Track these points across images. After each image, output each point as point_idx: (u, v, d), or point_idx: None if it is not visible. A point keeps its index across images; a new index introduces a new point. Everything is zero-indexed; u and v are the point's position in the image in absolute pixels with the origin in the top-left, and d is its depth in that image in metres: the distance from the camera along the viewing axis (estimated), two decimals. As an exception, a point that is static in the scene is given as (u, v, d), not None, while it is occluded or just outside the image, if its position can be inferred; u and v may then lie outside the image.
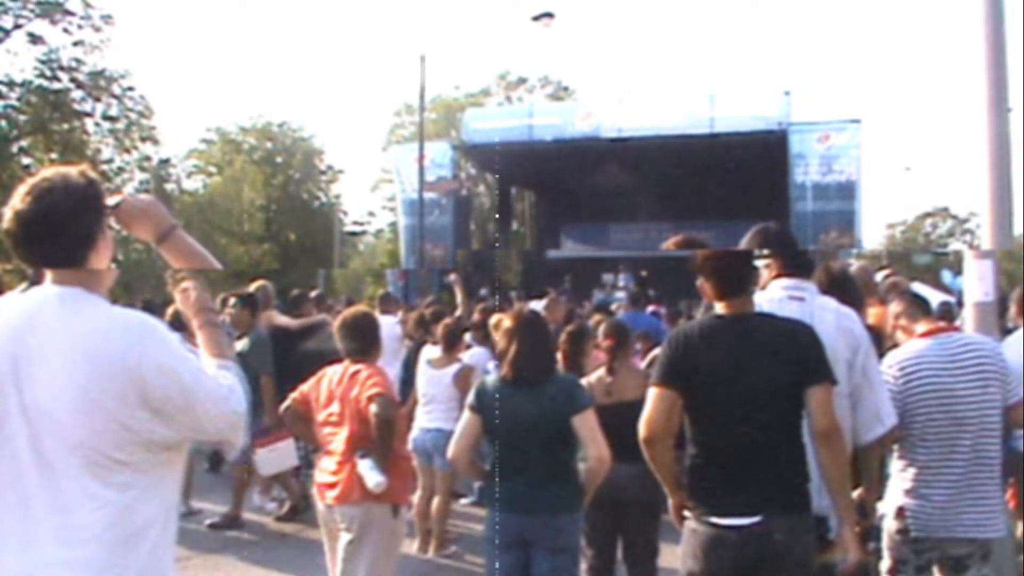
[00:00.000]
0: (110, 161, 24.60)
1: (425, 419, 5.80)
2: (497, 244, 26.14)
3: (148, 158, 26.73)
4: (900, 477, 3.28)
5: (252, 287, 7.40)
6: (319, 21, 71.36)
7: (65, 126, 22.81)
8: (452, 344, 5.87)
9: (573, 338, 4.54)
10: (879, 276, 5.56)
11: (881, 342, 3.43)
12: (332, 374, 3.89)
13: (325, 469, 3.79)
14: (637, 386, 3.79)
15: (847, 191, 18.71)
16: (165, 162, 29.42)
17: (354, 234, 39.47)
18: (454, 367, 5.78)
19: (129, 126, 24.34)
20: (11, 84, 21.83)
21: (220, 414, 1.74)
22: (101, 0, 27.86)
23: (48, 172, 1.77)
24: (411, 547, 5.61)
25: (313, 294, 8.69)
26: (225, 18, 72.40)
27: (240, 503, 6.54)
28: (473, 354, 6.22)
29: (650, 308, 11.14)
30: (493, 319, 4.81)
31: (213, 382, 1.76)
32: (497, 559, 3.45)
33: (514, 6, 53.12)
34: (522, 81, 38.23)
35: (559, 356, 4.28)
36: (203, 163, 33.85)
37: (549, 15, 18.46)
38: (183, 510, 5.69)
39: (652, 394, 2.69)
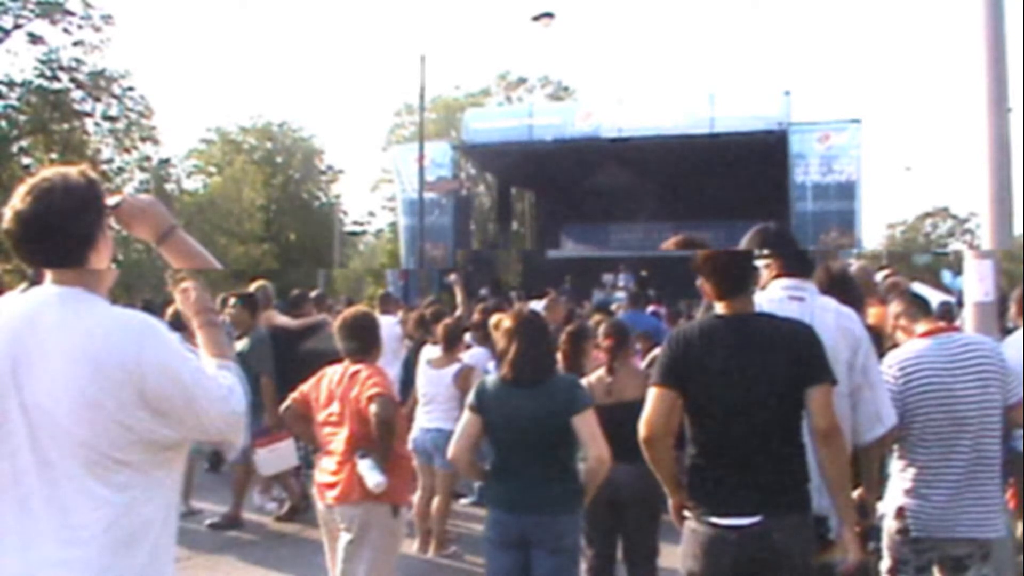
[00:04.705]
0: (110, 161, 24.60)
1: (425, 419, 5.80)
2: (497, 244, 26.12)
3: (148, 158, 26.75)
4: (900, 477, 3.28)
5: (252, 287, 7.41)
6: (319, 21, 71.44)
7: (65, 126, 22.79)
8: (452, 344, 5.87)
9: (573, 338, 4.54)
10: (879, 276, 5.57)
11: (881, 342, 3.43)
12: (332, 374, 3.89)
13: (325, 469, 3.79)
14: (637, 386, 3.79)
15: (847, 191, 18.68)
16: (165, 162, 29.42)
17: (354, 234, 39.49)
18: (454, 367, 5.77)
19: (129, 126, 24.32)
20: (11, 84, 21.82)
21: (220, 414, 1.74)
22: (101, 0, 27.82)
23: (48, 172, 1.77)
24: (411, 547, 5.61)
25: (313, 294, 8.69)
26: (225, 18, 72.44)
27: (240, 503, 6.54)
28: (473, 354, 6.22)
29: (650, 308, 11.15)
30: (493, 319, 4.81)
31: (213, 382, 1.76)
32: (497, 559, 3.46)
33: (514, 6, 53.06)
34: (522, 81, 38.24)
35: (559, 356, 4.28)
36: (203, 163, 33.83)
37: (549, 15, 18.43)
38: (183, 510, 5.69)
39: (652, 394, 2.69)
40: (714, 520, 2.60)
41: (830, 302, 2.98)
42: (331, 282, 30.06)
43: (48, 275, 1.76)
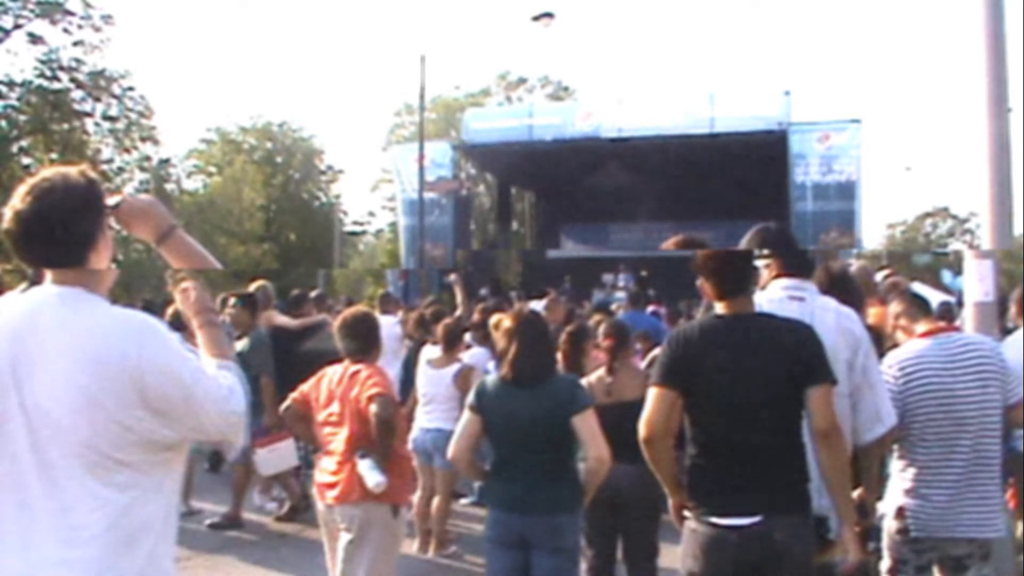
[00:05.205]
0: (110, 161, 24.57)
1: (425, 419, 5.80)
2: (497, 244, 26.12)
3: (148, 158, 26.72)
4: (900, 477, 3.28)
5: (252, 287, 7.41)
6: (319, 21, 71.44)
7: (65, 126, 22.76)
8: (452, 344, 5.87)
9: (573, 338, 4.54)
10: (879, 276, 5.57)
11: (881, 342, 3.43)
12: (332, 374, 3.89)
13: (325, 469, 3.80)
14: (637, 386, 3.79)
15: (847, 191, 18.69)
16: (165, 162, 29.39)
17: (354, 234, 39.50)
18: (454, 367, 5.78)
19: (129, 126, 24.30)
20: (11, 84, 21.79)
21: (220, 414, 1.74)
22: (101, 0, 27.82)
23: (48, 172, 1.77)
24: (411, 547, 5.61)
25: (313, 294, 8.68)
26: (225, 18, 72.44)
27: (240, 503, 6.54)
28: (473, 354, 6.22)
29: (650, 308, 11.14)
30: (493, 319, 4.81)
31: (213, 382, 1.76)
32: (497, 559, 3.46)
33: (514, 6, 53.08)
34: (522, 81, 38.24)
35: (559, 356, 4.28)
36: (203, 163, 33.82)
37: (549, 15, 18.43)
38: (183, 510, 5.69)
39: (652, 394, 2.69)
40: (714, 520, 2.60)
41: (830, 302, 2.98)
42: (331, 282, 30.05)
43: (48, 275, 1.76)
